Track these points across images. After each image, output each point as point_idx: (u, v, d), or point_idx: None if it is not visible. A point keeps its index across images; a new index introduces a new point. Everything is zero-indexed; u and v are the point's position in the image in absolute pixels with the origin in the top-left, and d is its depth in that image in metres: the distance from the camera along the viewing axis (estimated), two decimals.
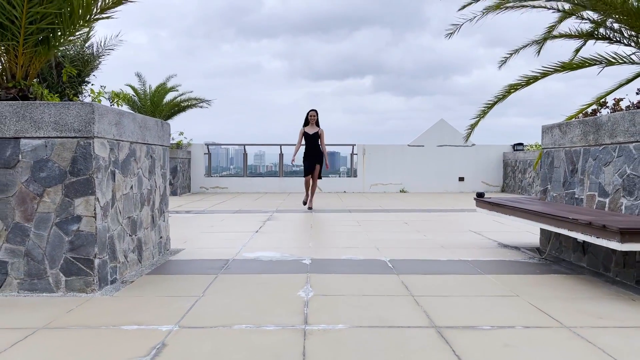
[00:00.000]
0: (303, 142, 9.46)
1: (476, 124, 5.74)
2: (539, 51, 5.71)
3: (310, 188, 9.49)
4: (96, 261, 3.38)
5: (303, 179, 9.96)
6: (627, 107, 4.09)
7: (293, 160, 10.02)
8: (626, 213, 3.70)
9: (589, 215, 3.54)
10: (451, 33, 5.29)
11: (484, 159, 15.60)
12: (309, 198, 9.47)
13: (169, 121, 15.63)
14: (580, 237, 3.39)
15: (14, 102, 3.38)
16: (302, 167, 9.82)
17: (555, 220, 3.73)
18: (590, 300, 3.22)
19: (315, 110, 9.41)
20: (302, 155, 9.50)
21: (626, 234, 2.95)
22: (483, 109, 5.79)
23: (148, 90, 14.80)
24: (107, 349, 2.37)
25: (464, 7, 5.59)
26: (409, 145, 15.68)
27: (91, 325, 2.72)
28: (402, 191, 15.31)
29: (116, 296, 3.33)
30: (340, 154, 19.74)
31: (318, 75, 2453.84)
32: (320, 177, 9.62)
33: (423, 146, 15.60)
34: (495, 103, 5.58)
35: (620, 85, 4.76)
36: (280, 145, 15.73)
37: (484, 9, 4.70)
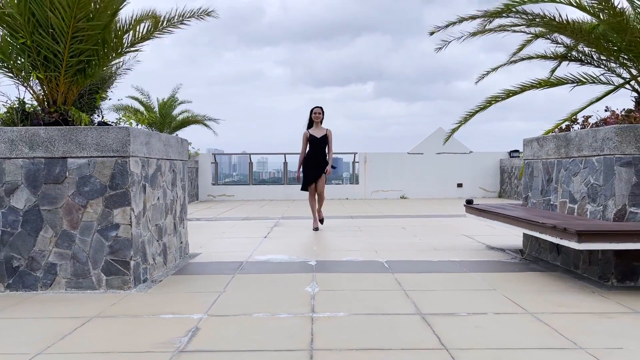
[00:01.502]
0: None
1: (456, 129, 6.25)
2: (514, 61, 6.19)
3: (317, 205, 7.66)
4: (132, 263, 3.94)
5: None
6: (595, 124, 4.61)
7: (299, 176, 7.67)
8: (590, 217, 4.24)
9: (557, 220, 4.08)
10: (440, 48, 5.81)
11: (481, 166, 16.13)
12: (318, 217, 7.71)
13: (178, 132, 16.30)
14: (548, 238, 3.93)
15: (62, 127, 3.96)
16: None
17: (529, 224, 4.28)
18: (556, 293, 3.75)
19: (321, 108, 7.53)
20: (304, 162, 7.58)
21: (582, 235, 3.49)
22: (465, 116, 6.28)
23: (156, 103, 15.46)
24: (153, 331, 2.92)
25: (453, 23, 6.11)
26: (408, 153, 16.24)
27: (134, 314, 3.28)
28: (403, 197, 15.85)
29: (149, 292, 3.88)
30: (343, 159, 20.31)
31: (320, 82, 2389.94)
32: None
33: (422, 154, 16.15)
34: (476, 112, 6.08)
35: (592, 103, 5.29)
36: (285, 154, 16.31)
37: (471, 33, 5.23)
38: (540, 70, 5.78)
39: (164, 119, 14.99)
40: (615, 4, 4.51)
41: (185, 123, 16.08)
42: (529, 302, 3.48)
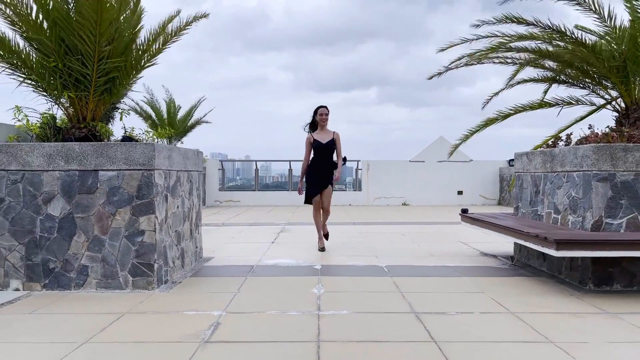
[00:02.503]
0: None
1: (458, 145, 6.69)
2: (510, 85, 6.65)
3: (322, 219, 6.70)
4: (155, 265, 4.37)
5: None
6: (579, 141, 5.02)
7: (300, 189, 6.79)
8: (571, 227, 4.65)
9: (540, 229, 4.49)
10: (433, 76, 6.26)
11: (481, 174, 16.53)
12: (323, 232, 6.75)
13: (184, 138, 16.82)
14: (532, 246, 4.34)
15: (95, 143, 4.40)
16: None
17: (516, 233, 4.69)
18: (538, 295, 4.16)
19: (327, 107, 6.53)
20: (307, 171, 6.59)
21: (560, 244, 3.90)
22: (466, 134, 6.73)
23: (163, 108, 16.07)
24: (179, 325, 3.35)
25: (442, 49, 6.54)
26: (410, 161, 16.66)
27: (161, 311, 3.71)
28: (404, 204, 16.26)
29: (171, 292, 4.31)
30: (346, 165, 20.79)
31: (323, 87, 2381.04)
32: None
33: (424, 162, 16.57)
34: (475, 131, 6.52)
35: (576, 121, 5.71)
36: (290, 161, 16.75)
37: (458, 63, 5.69)
38: (541, 86, 6.19)
39: (178, 129, 15.62)
40: (593, 41, 5.00)
41: (192, 126, 16.71)
42: (512, 303, 3.89)
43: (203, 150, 16.08)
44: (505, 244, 6.92)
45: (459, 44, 5.36)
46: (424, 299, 4.02)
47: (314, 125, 6.59)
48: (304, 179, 6.68)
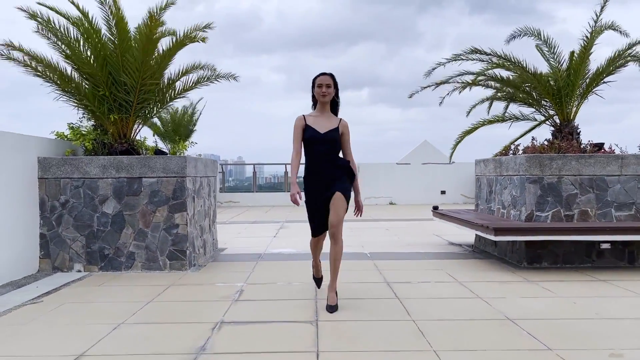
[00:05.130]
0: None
1: (451, 155, 8.01)
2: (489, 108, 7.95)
3: (326, 255, 4.19)
4: (187, 251, 5.59)
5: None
6: (523, 151, 6.29)
7: (295, 198, 3.96)
8: (513, 219, 5.93)
9: (488, 221, 5.76)
10: (413, 93, 7.51)
11: (462, 175, 17.84)
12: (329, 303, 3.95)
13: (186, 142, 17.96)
14: (480, 234, 5.61)
15: (139, 156, 5.62)
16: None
17: (470, 224, 5.96)
18: (483, 271, 5.43)
19: (331, 76, 4.08)
20: (303, 177, 4.18)
21: (497, 231, 5.17)
22: (451, 149, 8.04)
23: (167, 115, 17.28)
24: (214, 291, 4.58)
25: (429, 73, 7.80)
26: (397, 164, 17.95)
27: (197, 283, 4.93)
28: (392, 203, 17.54)
29: (200, 272, 5.53)
30: None
31: None
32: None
33: (409, 164, 17.86)
34: (457, 144, 7.77)
35: (522, 135, 7.03)
36: (285, 164, 17.97)
37: (445, 90, 7.02)
38: (504, 103, 7.50)
39: (177, 127, 16.85)
40: (535, 70, 6.31)
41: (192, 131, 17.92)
42: (461, 276, 5.16)
43: (199, 152, 17.24)
44: (470, 235, 8.20)
45: (446, 62, 6.58)
46: (395, 274, 5.28)
47: (315, 102, 4.15)
48: (305, 193, 4.14)
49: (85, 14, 5.87)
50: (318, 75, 4.10)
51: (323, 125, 4.08)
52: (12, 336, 3.35)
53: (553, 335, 3.23)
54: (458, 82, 6.81)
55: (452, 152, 8.23)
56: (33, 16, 5.67)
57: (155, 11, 5.62)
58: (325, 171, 4.07)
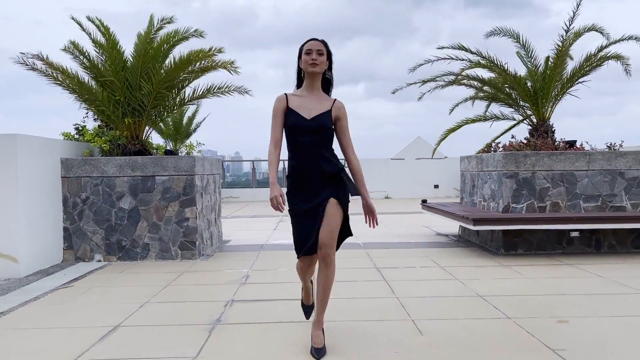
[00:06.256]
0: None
1: (433, 150, 8.58)
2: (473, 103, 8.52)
3: (315, 281, 3.34)
4: (197, 242, 6.17)
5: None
6: (503, 148, 6.87)
7: (277, 203, 2.94)
8: (492, 211, 6.52)
9: (469, 212, 6.35)
10: (396, 90, 8.06)
11: (455, 170, 18.39)
12: (314, 304, 3.45)
13: (187, 141, 18.50)
14: (461, 224, 6.20)
15: (152, 156, 6.19)
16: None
17: (453, 215, 6.55)
18: (464, 258, 6.03)
19: (323, 42, 3.06)
20: (286, 177, 3.29)
21: (476, 221, 5.77)
22: (435, 145, 8.61)
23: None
24: (223, 276, 5.16)
25: (414, 69, 8.36)
26: (391, 159, 18.54)
27: (207, 270, 5.52)
28: (387, 198, 18.14)
29: (209, 261, 6.11)
30: None
31: None
32: (350, 234, 3.43)
33: (403, 159, 18.46)
34: (441, 140, 8.37)
35: (503, 133, 7.62)
36: (284, 160, 18.52)
37: (427, 87, 7.59)
38: (485, 102, 8.05)
39: (183, 133, 17.36)
40: (515, 73, 6.88)
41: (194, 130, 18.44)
42: (444, 262, 5.76)
43: (198, 149, 17.75)
44: (456, 226, 8.80)
45: (434, 61, 7.15)
46: (385, 261, 5.87)
47: (299, 80, 3.19)
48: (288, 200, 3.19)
49: (114, 44, 6.49)
50: (307, 41, 3.06)
51: (311, 108, 3.04)
52: (57, 312, 3.93)
53: (513, 307, 3.83)
54: (444, 81, 7.37)
55: (435, 149, 8.85)
56: (75, 46, 6.38)
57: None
58: (314, 170, 3.06)
